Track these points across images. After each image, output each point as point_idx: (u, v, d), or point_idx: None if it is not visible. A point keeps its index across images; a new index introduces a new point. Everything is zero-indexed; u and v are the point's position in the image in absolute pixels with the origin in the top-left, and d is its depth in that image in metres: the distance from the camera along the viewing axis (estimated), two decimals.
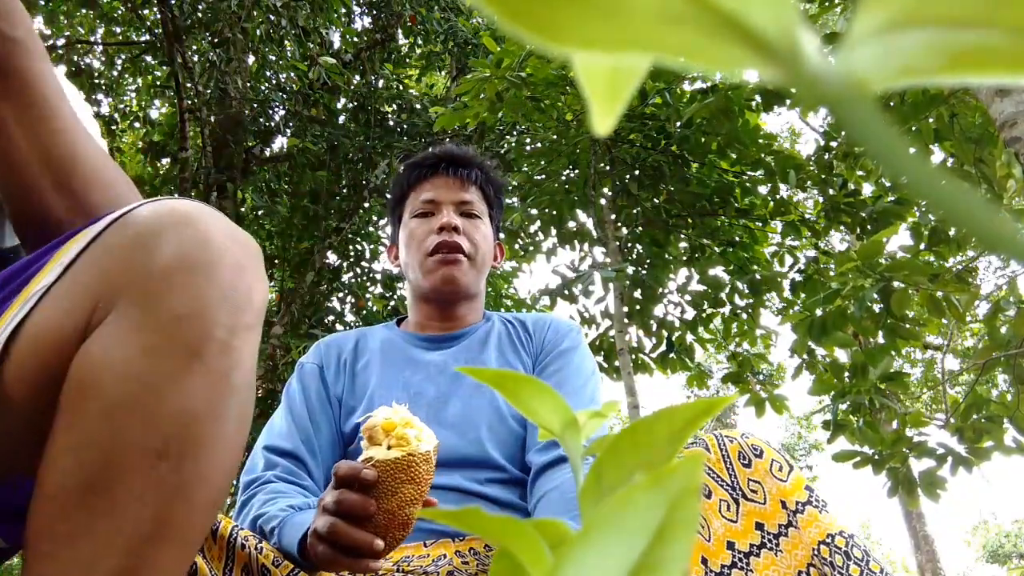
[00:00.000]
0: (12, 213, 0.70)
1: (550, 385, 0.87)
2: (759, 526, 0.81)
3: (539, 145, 4.81)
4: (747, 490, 0.84)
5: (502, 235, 5.64)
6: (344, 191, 5.68)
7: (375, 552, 0.72)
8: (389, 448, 0.74)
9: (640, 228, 4.72)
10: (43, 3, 5.28)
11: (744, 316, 4.77)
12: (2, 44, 0.65)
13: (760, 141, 4.29)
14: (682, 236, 4.85)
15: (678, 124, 4.24)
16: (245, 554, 0.79)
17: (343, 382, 1.15)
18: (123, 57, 6.33)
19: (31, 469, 0.52)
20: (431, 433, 0.78)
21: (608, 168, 4.49)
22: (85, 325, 0.53)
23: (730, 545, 0.80)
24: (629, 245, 4.80)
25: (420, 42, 5.93)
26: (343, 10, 5.48)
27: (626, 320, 4.23)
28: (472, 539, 0.97)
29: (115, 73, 6.26)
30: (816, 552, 0.79)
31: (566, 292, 4.33)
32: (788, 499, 0.83)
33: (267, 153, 5.87)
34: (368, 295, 6.01)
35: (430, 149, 1.32)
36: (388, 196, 1.33)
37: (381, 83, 5.89)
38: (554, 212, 4.70)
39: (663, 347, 4.66)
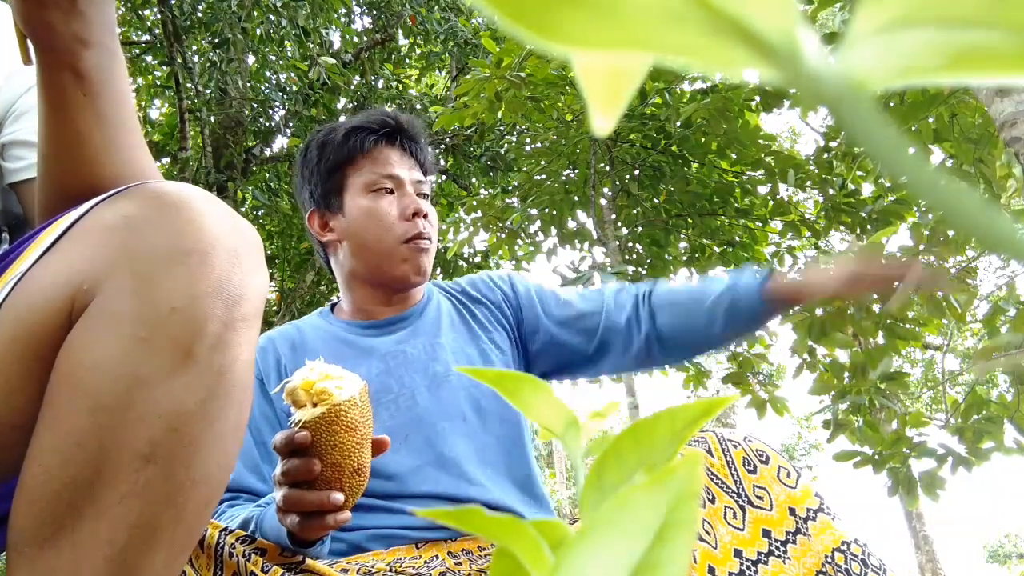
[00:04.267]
0: (46, 207, 0.67)
1: (569, 307, 1.10)
2: (766, 533, 0.80)
3: (539, 145, 4.82)
4: (753, 497, 0.82)
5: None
6: None
7: (335, 505, 0.74)
8: (315, 406, 0.74)
9: (640, 228, 4.72)
10: None
11: None
12: (93, 51, 0.61)
13: (760, 141, 4.30)
14: (682, 236, 4.86)
15: (678, 124, 4.24)
16: (233, 562, 0.78)
17: None
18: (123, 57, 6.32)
19: (18, 469, 0.50)
20: (354, 377, 0.79)
21: (608, 168, 4.49)
22: (68, 311, 0.51)
23: (737, 553, 0.79)
24: (629, 245, 4.80)
25: (420, 42, 5.93)
26: (343, 10, 5.48)
27: None
28: (465, 540, 0.95)
29: None
30: (830, 559, 0.78)
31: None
32: (798, 506, 0.82)
33: (267, 153, 5.87)
34: None
35: (375, 112, 1.18)
36: (316, 153, 1.16)
37: (381, 83, 5.90)
38: (554, 212, 4.70)
39: None
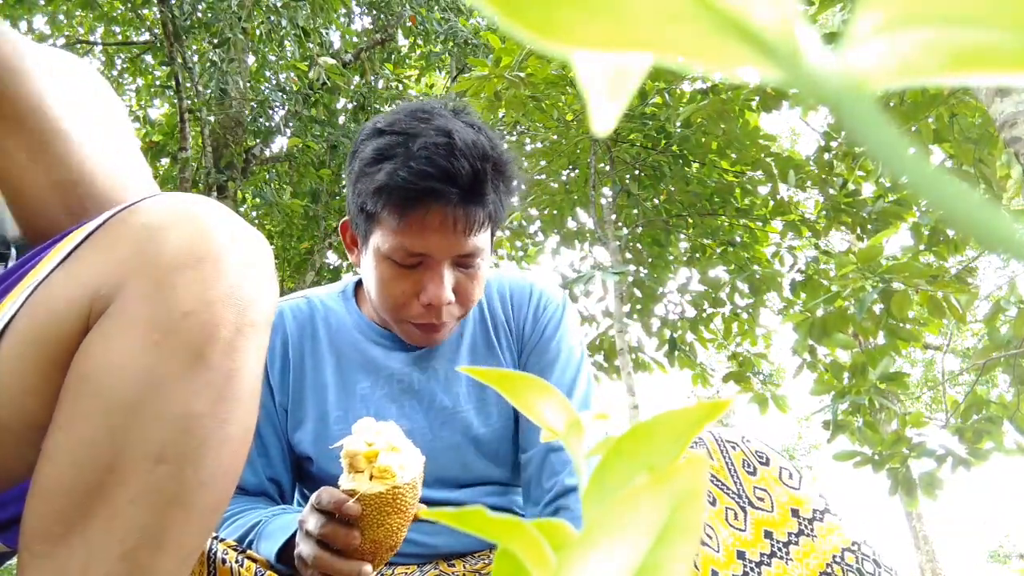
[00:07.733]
0: (24, 234, 0.67)
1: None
2: (768, 534, 0.80)
3: (539, 145, 4.82)
4: (753, 498, 0.82)
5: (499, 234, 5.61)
6: (344, 191, 5.68)
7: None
8: (372, 477, 0.69)
9: (640, 228, 4.73)
10: (43, 3, 5.28)
11: (744, 316, 4.78)
12: None
13: (760, 141, 4.30)
14: (682, 236, 4.86)
15: (678, 124, 4.24)
16: (227, 569, 0.77)
17: (288, 387, 0.97)
18: (123, 57, 6.34)
19: (32, 471, 0.50)
20: (415, 453, 0.73)
21: (608, 168, 4.49)
22: (86, 316, 0.52)
23: (740, 555, 0.78)
24: (629, 245, 4.80)
25: (420, 42, 5.93)
26: (343, 10, 5.48)
27: (627, 320, 4.23)
28: (471, 556, 0.96)
29: (115, 73, 6.26)
30: (839, 559, 0.78)
31: (566, 292, 4.33)
32: (801, 507, 0.81)
33: (267, 153, 5.88)
34: None
35: (420, 144, 0.84)
36: (355, 174, 0.91)
37: (381, 83, 5.90)
38: (554, 212, 4.70)
39: (667, 346, 4.67)
